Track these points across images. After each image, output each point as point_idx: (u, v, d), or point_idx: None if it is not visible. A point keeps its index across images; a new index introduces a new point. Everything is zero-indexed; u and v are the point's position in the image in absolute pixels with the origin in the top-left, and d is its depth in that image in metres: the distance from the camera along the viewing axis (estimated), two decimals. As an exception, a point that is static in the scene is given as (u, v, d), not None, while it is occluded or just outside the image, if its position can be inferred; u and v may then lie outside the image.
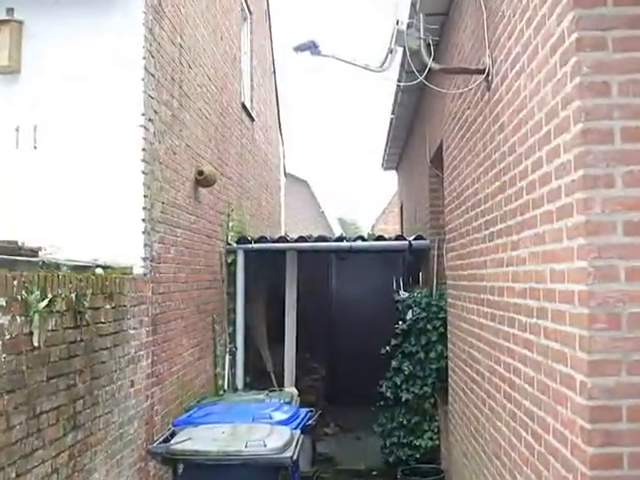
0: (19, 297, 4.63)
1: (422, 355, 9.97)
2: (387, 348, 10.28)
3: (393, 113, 12.52)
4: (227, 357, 10.99)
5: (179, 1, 8.59)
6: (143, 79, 7.21)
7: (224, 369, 10.85)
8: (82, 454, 5.64)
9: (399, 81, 9.61)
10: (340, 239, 12.21)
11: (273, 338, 13.20)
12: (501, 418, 5.26)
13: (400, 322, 10.19)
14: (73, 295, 5.43)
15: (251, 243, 11.72)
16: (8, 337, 4.48)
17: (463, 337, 7.12)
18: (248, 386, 11.30)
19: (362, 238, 12.11)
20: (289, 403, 8.17)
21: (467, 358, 6.87)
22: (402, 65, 9.02)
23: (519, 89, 4.54)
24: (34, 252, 5.38)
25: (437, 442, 9.85)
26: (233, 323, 11.47)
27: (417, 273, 11.47)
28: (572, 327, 3.50)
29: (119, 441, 6.51)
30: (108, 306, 6.20)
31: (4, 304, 4.45)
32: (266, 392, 8.80)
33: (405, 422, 10.11)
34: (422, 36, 6.32)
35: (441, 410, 9.58)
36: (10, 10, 7.22)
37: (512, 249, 4.81)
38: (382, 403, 10.31)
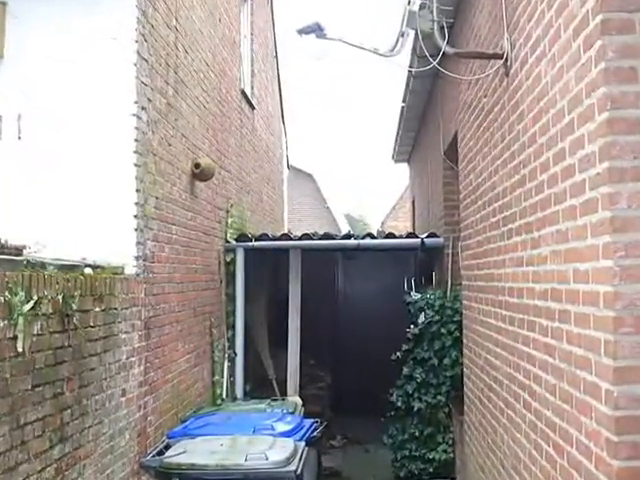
0: (2, 299, 4.62)
1: (435, 361, 9.97)
2: (398, 354, 10.28)
3: (404, 101, 12.51)
4: (226, 363, 11.00)
5: (174, -19, 8.60)
6: (135, 64, 7.21)
7: (222, 376, 10.85)
8: (70, 468, 5.64)
9: (410, 67, 9.60)
10: (347, 237, 12.20)
11: (275, 343, 13.20)
12: (520, 429, 5.26)
13: (412, 326, 10.19)
14: (60, 297, 5.43)
15: (251, 241, 11.72)
16: (-10, 342, 4.49)
17: (479, 342, 7.11)
18: (248, 395, 11.30)
19: (371, 235, 12.12)
20: (292, 413, 8.18)
21: (484, 364, 6.86)
22: (414, 49, 9.01)
23: (540, 75, 4.53)
24: (18, 250, 5.38)
25: (452, 455, 9.85)
26: (232, 327, 11.47)
27: (430, 273, 11.46)
28: (597, 331, 3.49)
29: (110, 454, 6.51)
30: (98, 309, 6.20)
31: (-14, 306, 4.45)
32: (268, 401, 8.81)
33: (417, 433, 10.11)
34: (435, 18, 6.31)
35: (456, 420, 9.58)
36: (-8, -10, 7.22)
37: (532, 247, 4.80)
38: (393, 413, 10.32)
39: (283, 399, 9.94)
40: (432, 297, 10.21)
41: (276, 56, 18.66)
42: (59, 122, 7.14)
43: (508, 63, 5.47)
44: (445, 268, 10.42)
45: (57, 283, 5.41)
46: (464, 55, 7.12)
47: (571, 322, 3.90)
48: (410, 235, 12.08)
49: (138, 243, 7.24)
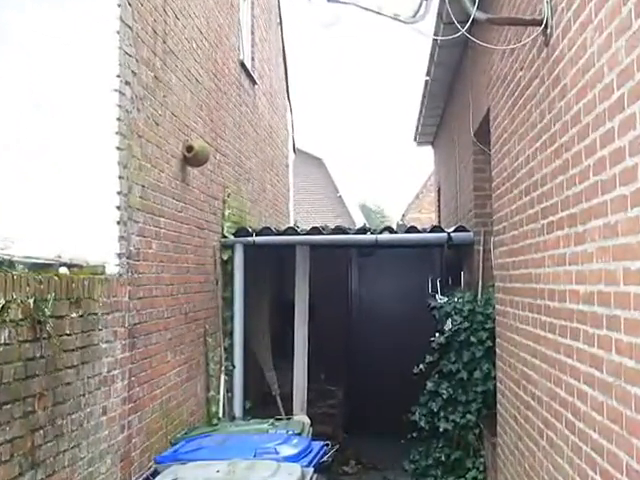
0: (-36, 303, 4.63)
1: (464, 375, 9.95)
2: (421, 366, 10.27)
3: (428, 74, 12.50)
4: (222, 377, 11.01)
5: (162, -64, 8.60)
6: (118, 32, 7.20)
7: (219, 392, 10.87)
8: (43, 497, 5.66)
9: (436, 35, 9.58)
10: (363, 231, 12.19)
11: (279, 354, 13.21)
12: (562, 453, 5.25)
13: (437, 334, 10.17)
14: (31, 300, 5.43)
15: (252, 236, 11.73)
16: (-49, 352, 4.49)
17: (515, 353, 7.10)
18: (248, 413, 11.31)
19: (390, 230, 12.09)
20: (299, 434, 8.18)
21: (520, 379, 6.85)
22: (439, 15, 9.00)
23: (585, 44, 4.52)
24: (-17, 247, 5.39)
25: (483, 483, 9.85)
26: (230, 335, 11.48)
27: (458, 273, 11.45)
28: (650, 341, 3.48)
29: (89, 481, 6.53)
30: (75, 314, 6.20)
31: (-54, 312, 4.46)
32: (271, 421, 8.81)
33: (443, 458, 10.09)
34: (464, -22, 6.29)
35: (488, 443, 9.56)
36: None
37: (576, 243, 4.79)
38: (415, 435, 10.30)
39: (288, 418, 9.96)
40: (460, 301, 10.19)
41: (280, 23, 18.65)
42: (29, 99, 7.13)
43: (548, 30, 5.45)
44: (475, 267, 10.41)
45: (28, 285, 5.42)
46: (498, 21, 7.10)
47: (621, 330, 3.89)
48: (435, 229, 12.06)
49: (121, 238, 7.25)
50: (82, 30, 7.14)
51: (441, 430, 10.04)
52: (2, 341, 5.03)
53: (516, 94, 6.74)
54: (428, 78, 12.69)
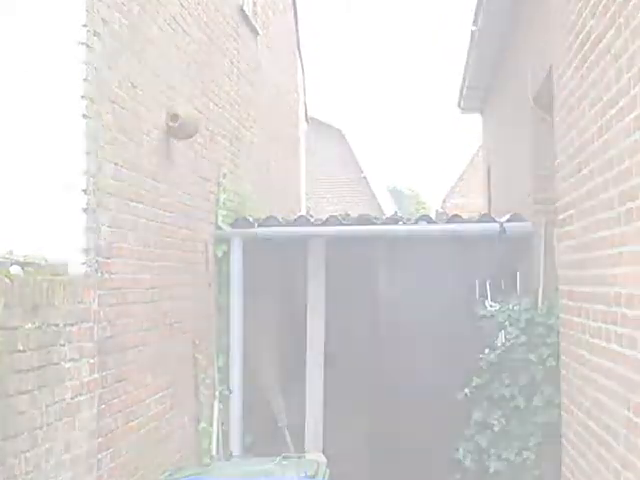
0: None
1: (521, 402, 9.94)
2: (466, 391, 10.26)
3: (475, 24, 12.47)
4: (216, 405, 11.02)
5: None
6: (84, -30, 7.22)
7: (211, 424, 10.87)
8: None
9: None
10: (393, 221, 12.18)
11: (288, 375, 13.20)
12: (644, 502, 5.24)
13: (487, 350, 10.17)
14: (-25, 308, 5.44)
15: (254, 227, 11.73)
16: None
17: (585, 374, 7.09)
18: (249, 450, 11.33)
19: (427, 219, 12.08)
20: (313, 477, 8.18)
21: (591, 407, 6.84)
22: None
23: (673, -17, 4.50)
24: None
25: (545, 539, 9.84)
26: (226, 352, 11.48)
27: (513, 273, 11.43)
28: None
29: (48, 535, 6.53)
30: (30, 325, 6.19)
31: None
32: (277, 459, 8.82)
33: (495, 507, 10.11)
34: None
35: (551, 488, 9.56)
36: None
37: (662, 236, 4.77)
38: (458, 477, 10.30)
39: (300, 456, 9.95)
40: (516, 308, 10.19)
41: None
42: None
43: (627, -34, 5.43)
44: (535, 266, 10.39)
45: (-29, 288, 5.43)
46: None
47: None
48: (484, 218, 12.04)
49: (88, 230, 7.23)
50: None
51: (491, 471, 10.04)
52: (-61, 359, 5.05)
53: (586, 48, 6.72)
54: (475, 28, 12.66)
